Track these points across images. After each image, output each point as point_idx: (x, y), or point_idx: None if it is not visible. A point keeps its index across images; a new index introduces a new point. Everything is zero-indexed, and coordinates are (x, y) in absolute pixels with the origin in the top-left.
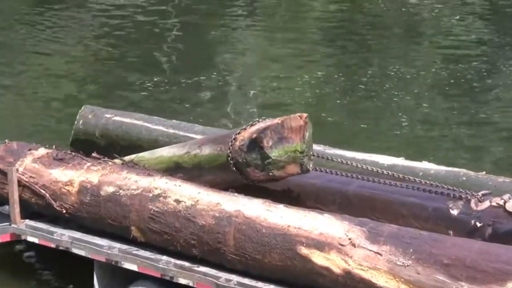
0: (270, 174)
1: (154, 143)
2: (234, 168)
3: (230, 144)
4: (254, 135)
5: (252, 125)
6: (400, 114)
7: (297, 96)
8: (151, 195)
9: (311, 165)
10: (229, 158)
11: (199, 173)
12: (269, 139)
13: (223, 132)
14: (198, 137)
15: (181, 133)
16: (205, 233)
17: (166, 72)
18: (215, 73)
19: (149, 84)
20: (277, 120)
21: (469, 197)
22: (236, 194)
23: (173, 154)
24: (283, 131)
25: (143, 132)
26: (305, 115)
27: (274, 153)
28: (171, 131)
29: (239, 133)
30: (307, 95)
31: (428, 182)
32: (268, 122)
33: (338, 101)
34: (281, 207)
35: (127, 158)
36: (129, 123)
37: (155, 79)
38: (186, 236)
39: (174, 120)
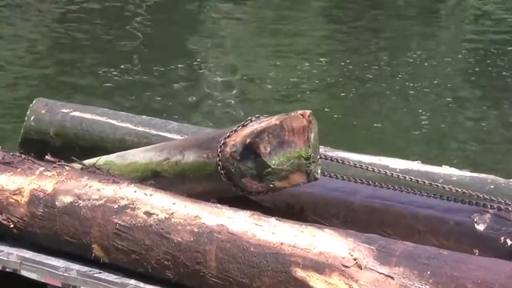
0: (271, 185)
1: (120, 144)
2: (225, 179)
3: (219, 150)
4: (248, 140)
5: (244, 125)
6: (416, 109)
7: (293, 88)
8: (116, 206)
9: (319, 172)
10: (219, 168)
11: (183, 184)
12: (266, 144)
13: (207, 134)
14: (174, 136)
15: (153, 131)
16: (181, 252)
17: (135, 59)
18: (193, 61)
19: (114, 74)
20: (274, 121)
21: (501, 207)
22: (218, 205)
23: (150, 161)
24: (283, 133)
25: (107, 131)
26: (308, 112)
27: (274, 161)
28: (141, 129)
29: (229, 136)
30: (306, 87)
31: (449, 190)
32: (264, 122)
33: (342, 94)
34: (272, 220)
35: (87, 161)
36: (90, 119)
37: (122, 67)
38: (158, 256)
39: (144, 116)
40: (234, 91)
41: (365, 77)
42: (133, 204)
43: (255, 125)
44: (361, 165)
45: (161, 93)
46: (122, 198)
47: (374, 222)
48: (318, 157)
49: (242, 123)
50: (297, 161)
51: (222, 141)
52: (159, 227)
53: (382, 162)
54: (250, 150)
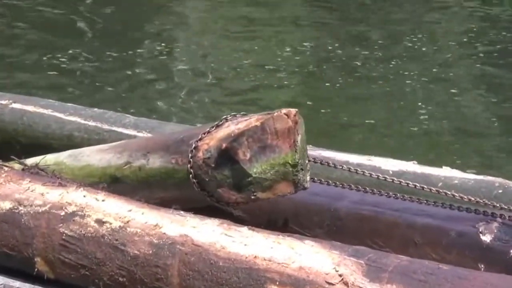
0: (252, 196)
1: (68, 141)
2: (198, 189)
3: (190, 155)
4: (224, 144)
5: (218, 126)
6: (413, 101)
7: (271, 76)
8: (63, 213)
9: (308, 180)
10: (190, 176)
11: (148, 192)
12: (246, 150)
13: (175, 135)
14: (130, 132)
15: (106, 126)
16: (138, 267)
17: (86, 42)
18: (155, 46)
19: (62, 59)
20: (254, 122)
21: (511, 215)
22: (182, 212)
23: (108, 164)
24: (265, 137)
25: (52, 125)
26: (293, 111)
27: (255, 169)
28: (92, 123)
29: (201, 139)
30: (285, 75)
31: (451, 196)
32: (242, 123)
33: (327, 84)
34: (245, 230)
35: (29, 161)
36: (32, 112)
37: (70, 52)
38: (112, 271)
39: (95, 109)
40: (203, 80)
41: (353, 64)
42: (82, 211)
43: (231, 126)
44: (349, 168)
45: (116, 82)
46: (70, 204)
47: (363, 232)
48: (307, 162)
49: (216, 123)
50: (282, 169)
51: (194, 145)
52: (112, 238)
53: (373, 162)
54: (226, 156)
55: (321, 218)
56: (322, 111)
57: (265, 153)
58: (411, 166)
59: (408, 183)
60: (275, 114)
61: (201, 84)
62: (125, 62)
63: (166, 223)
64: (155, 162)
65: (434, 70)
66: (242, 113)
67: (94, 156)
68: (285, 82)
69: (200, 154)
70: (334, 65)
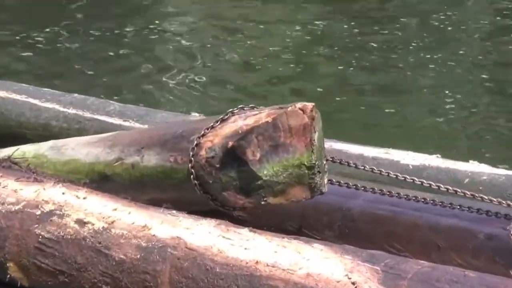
0: (263, 202)
1: (44, 130)
2: (201, 192)
3: (191, 153)
4: (231, 143)
5: (223, 120)
6: (436, 87)
7: (273, 59)
8: (39, 212)
9: (326, 184)
10: (191, 177)
11: (142, 193)
12: (255, 149)
13: (172, 128)
14: (115, 121)
15: (87, 114)
16: (124, 273)
17: (66, 19)
18: (146, 24)
19: (38, 38)
20: (265, 117)
21: None
22: (174, 211)
23: (96, 160)
24: (277, 134)
25: (26, 113)
26: (310, 106)
27: (266, 171)
28: (71, 111)
29: (203, 135)
30: (290, 57)
31: (478, 198)
32: (251, 118)
33: (340, 67)
34: (245, 232)
35: (1, 153)
36: (4, 98)
37: (48, 31)
38: (94, 278)
39: (76, 95)
40: (197, 62)
41: (369, 46)
42: (61, 210)
43: (238, 122)
44: (364, 166)
45: (99, 64)
46: (47, 202)
47: (379, 234)
48: (324, 163)
49: (221, 117)
50: (297, 171)
51: (195, 142)
52: (95, 240)
53: (391, 156)
54: (233, 155)
55: (332, 219)
56: (332, 97)
57: (277, 153)
58: (434, 160)
59: (430, 184)
60: (289, 109)
61: (194, 68)
62: (109, 43)
63: (155, 224)
64: (151, 159)
65: (461, 52)
66: (250, 105)
67: (80, 150)
68: (292, 65)
69: (203, 152)
70: (347, 47)
